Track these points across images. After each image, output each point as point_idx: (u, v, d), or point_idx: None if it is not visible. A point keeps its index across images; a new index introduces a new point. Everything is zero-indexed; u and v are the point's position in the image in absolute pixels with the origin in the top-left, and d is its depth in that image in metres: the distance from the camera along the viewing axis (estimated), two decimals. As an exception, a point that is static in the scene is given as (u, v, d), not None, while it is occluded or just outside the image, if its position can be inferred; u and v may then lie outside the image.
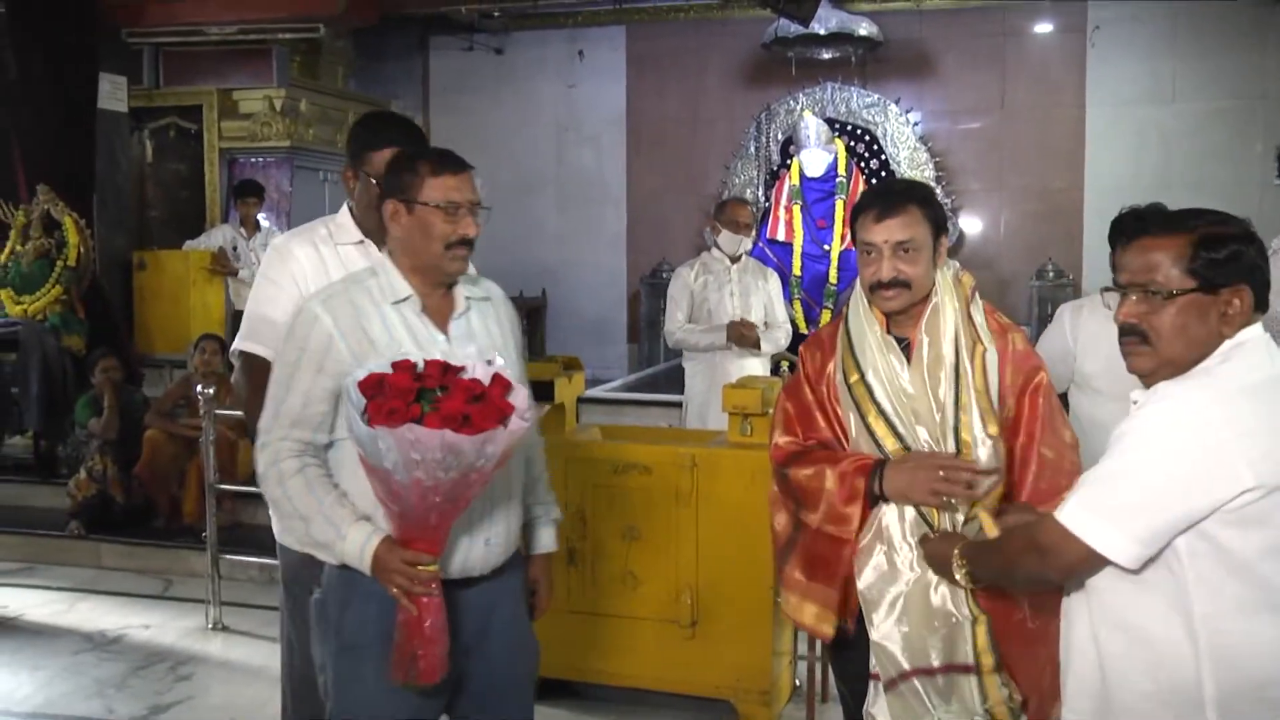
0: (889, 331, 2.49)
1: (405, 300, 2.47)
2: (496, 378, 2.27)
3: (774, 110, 9.73)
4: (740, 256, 5.63)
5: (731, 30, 10.14)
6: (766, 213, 9.09)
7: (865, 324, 2.52)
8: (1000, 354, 2.44)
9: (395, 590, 2.27)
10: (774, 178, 9.47)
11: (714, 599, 3.94)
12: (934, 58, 9.89)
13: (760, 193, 9.58)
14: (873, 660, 2.42)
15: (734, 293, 5.54)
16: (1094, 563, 1.90)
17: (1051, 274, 9.34)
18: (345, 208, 2.93)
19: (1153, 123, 9.45)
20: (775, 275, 5.86)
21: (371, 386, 2.23)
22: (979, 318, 2.47)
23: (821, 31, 8.95)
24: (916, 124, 9.60)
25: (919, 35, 9.80)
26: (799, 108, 9.51)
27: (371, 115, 2.90)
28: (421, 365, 2.27)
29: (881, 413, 2.47)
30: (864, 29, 9.18)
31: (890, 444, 2.45)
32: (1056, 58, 9.75)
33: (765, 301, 5.63)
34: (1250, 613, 1.85)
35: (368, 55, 10.58)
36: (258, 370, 2.73)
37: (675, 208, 10.50)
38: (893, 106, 9.50)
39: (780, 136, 9.66)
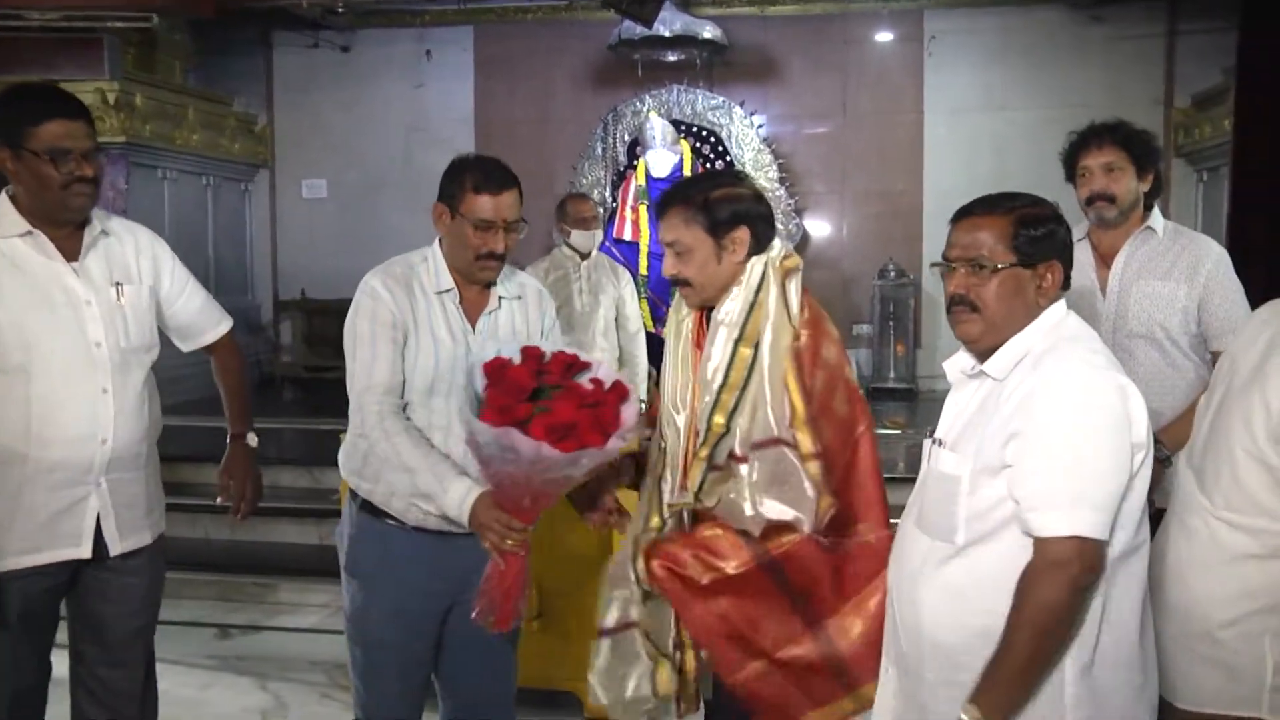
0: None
1: (447, 292, 2.79)
2: (617, 385, 2.41)
3: (621, 112, 9.96)
4: (590, 253, 5.62)
5: (579, 32, 10.32)
6: (613, 213, 9.18)
7: (681, 316, 2.66)
8: (807, 351, 2.47)
9: (487, 544, 2.49)
10: (621, 178, 9.68)
11: (556, 594, 4.06)
12: (778, 63, 10.26)
13: (607, 193, 9.80)
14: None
15: (583, 290, 5.54)
16: (1101, 551, 2.03)
17: (893, 273, 9.77)
18: (3, 195, 2.82)
19: (986, 129, 10.03)
20: (628, 274, 5.87)
21: (494, 372, 2.37)
22: (793, 301, 2.51)
23: (666, 34, 9.15)
24: (761, 127, 9.97)
25: (763, 40, 10.13)
26: (645, 109, 9.74)
27: (20, 88, 2.78)
28: (549, 355, 2.45)
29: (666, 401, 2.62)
30: (709, 32, 9.38)
31: (669, 432, 2.58)
32: (896, 66, 10.23)
33: (616, 300, 5.63)
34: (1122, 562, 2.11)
35: (208, 50, 10.61)
36: None
37: (526, 209, 10.32)
38: (737, 109, 9.84)
39: (627, 138, 9.89)
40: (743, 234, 2.53)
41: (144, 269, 2.95)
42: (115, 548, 2.88)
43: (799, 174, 10.16)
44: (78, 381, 2.77)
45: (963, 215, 2.23)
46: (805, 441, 2.38)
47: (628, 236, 9.11)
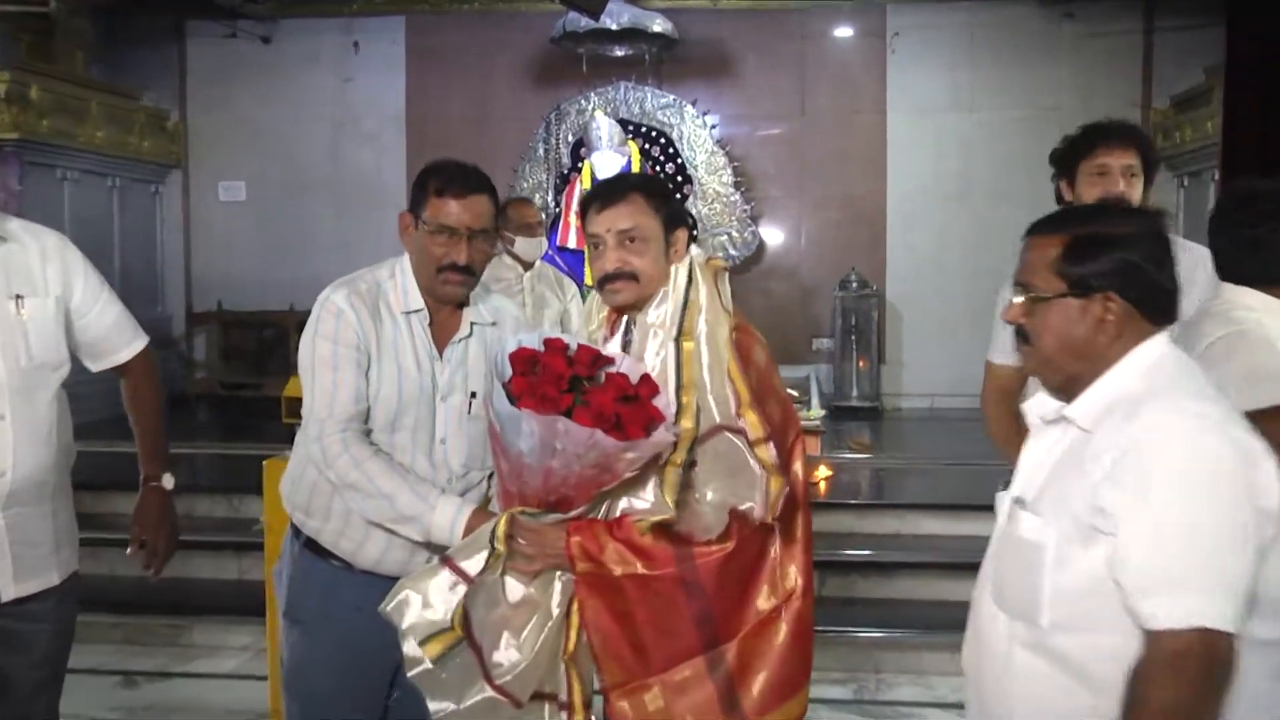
0: (626, 332, 2.55)
1: (416, 313, 2.71)
2: (645, 379, 2.38)
3: (564, 110, 9.89)
4: (534, 262, 5.46)
5: (520, 24, 10.22)
6: (556, 218, 9.03)
7: (593, 313, 2.63)
8: (741, 347, 2.46)
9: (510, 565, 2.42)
10: (564, 181, 9.58)
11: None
12: (732, 59, 10.21)
13: (550, 197, 9.65)
14: None
15: (525, 303, 5.36)
16: (1231, 645, 1.78)
17: (855, 284, 9.76)
18: None
19: (952, 130, 10.05)
20: (574, 285, 5.72)
21: (523, 363, 2.36)
22: (726, 295, 2.51)
23: (613, 27, 9.07)
24: (714, 127, 9.91)
25: (717, 35, 10.08)
26: (590, 107, 9.68)
27: None
28: (574, 348, 2.41)
29: None
30: (659, 25, 9.32)
31: None
32: (857, 63, 10.24)
33: (560, 314, 5.46)
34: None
35: (115, 39, 10.33)
36: None
37: (462, 214, 10.28)
38: (689, 108, 9.79)
39: (571, 138, 9.83)
40: (684, 235, 2.53)
41: (51, 277, 2.80)
42: (8, 591, 2.72)
43: (754, 177, 10.10)
44: None
45: (1027, 233, 2.05)
46: (754, 424, 2.35)
47: (572, 244, 8.96)
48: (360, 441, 2.60)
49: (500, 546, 2.36)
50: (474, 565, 2.38)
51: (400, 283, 2.73)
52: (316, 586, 2.77)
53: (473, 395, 2.69)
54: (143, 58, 10.60)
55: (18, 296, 2.72)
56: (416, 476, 2.61)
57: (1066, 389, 1.98)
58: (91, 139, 9.44)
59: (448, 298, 2.72)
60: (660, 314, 2.49)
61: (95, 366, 3.01)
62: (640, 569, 2.31)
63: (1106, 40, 9.64)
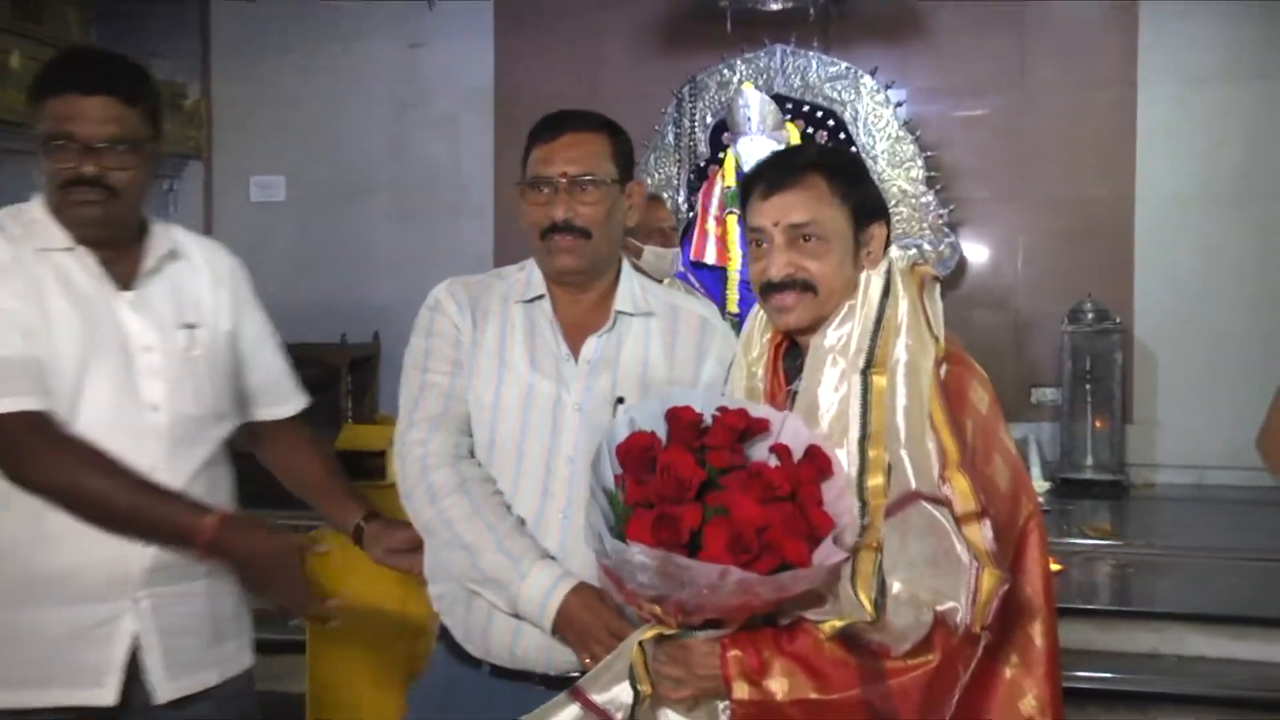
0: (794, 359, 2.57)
1: (536, 300, 2.83)
2: (812, 454, 2.31)
3: (702, 83, 9.92)
4: (664, 280, 5.45)
5: (643, -29, 10.21)
6: (690, 224, 9.03)
7: (755, 336, 2.63)
8: (953, 386, 2.43)
9: (589, 660, 2.52)
10: (701, 176, 9.53)
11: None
12: (925, 14, 10.17)
13: (682, 197, 9.64)
14: None
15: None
16: None
17: (1091, 315, 9.57)
18: (37, 199, 2.89)
19: (1231, 108, 9.77)
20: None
21: (635, 460, 2.29)
22: (935, 314, 2.48)
23: (767, -28, 9.00)
24: (900, 105, 9.84)
25: (905, -18, 9.95)
26: (736, 79, 9.68)
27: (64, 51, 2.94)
28: (708, 419, 2.34)
29: None
30: (827, -29, 9.24)
31: None
32: (1098, 17, 10.06)
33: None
34: None
35: None
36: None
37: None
38: (867, 80, 9.72)
39: (710, 120, 9.84)
40: (880, 231, 2.54)
41: (222, 306, 3.01)
42: (162, 693, 2.82)
43: (953, 172, 9.97)
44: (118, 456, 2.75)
45: None
46: (963, 492, 2.29)
47: (710, 259, 8.99)
48: (447, 463, 2.71)
49: (645, 687, 2.37)
50: (610, 697, 2.40)
51: (528, 273, 2.87)
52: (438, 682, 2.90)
53: (619, 401, 2.73)
54: (154, 17, 10.87)
55: (189, 326, 2.91)
56: (513, 522, 2.67)
57: None
58: (86, 119, 9.68)
59: (560, 270, 2.80)
60: (842, 335, 2.46)
61: (259, 415, 3.18)
62: (812, 694, 2.26)
63: None
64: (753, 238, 2.54)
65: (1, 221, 2.81)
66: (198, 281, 2.97)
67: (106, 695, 2.76)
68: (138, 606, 2.78)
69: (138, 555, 2.77)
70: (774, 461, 2.33)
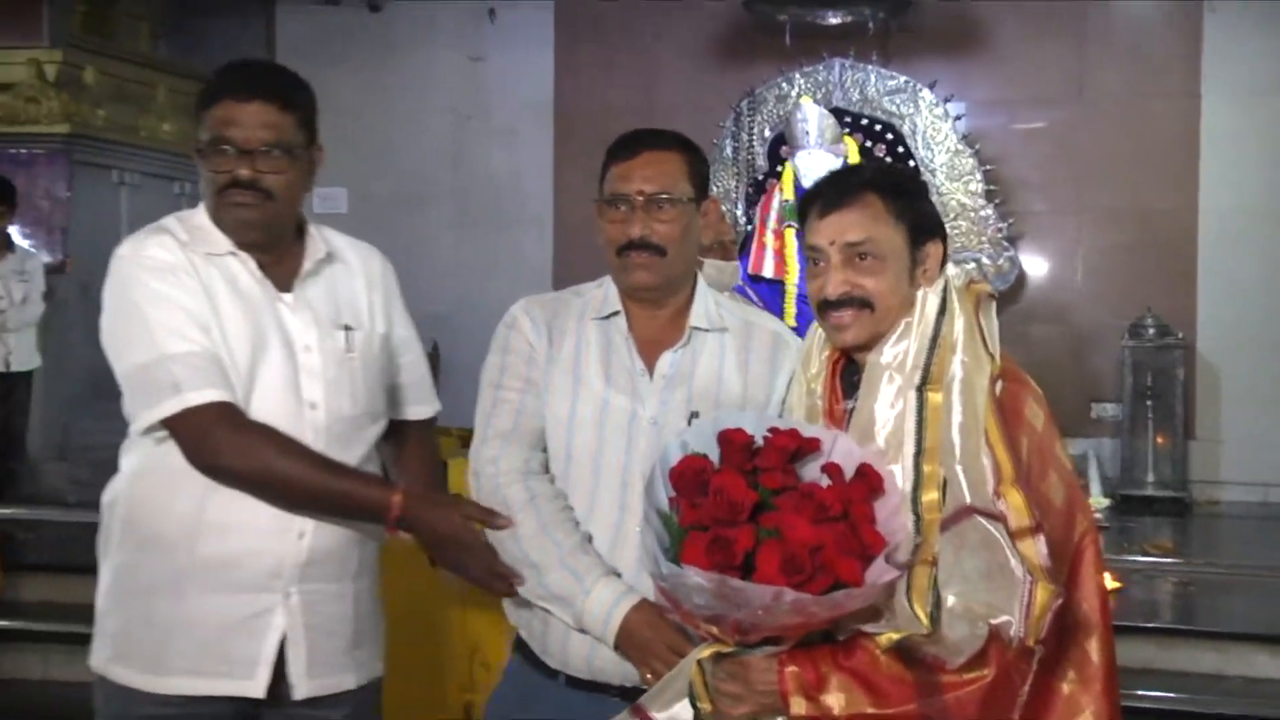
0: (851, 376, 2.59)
1: (612, 316, 2.86)
2: (864, 473, 2.33)
3: (760, 97, 9.94)
4: (723, 294, 5.45)
5: (703, -15, 10.22)
6: (748, 238, 8.99)
7: (814, 352, 2.65)
8: (1009, 404, 2.44)
9: (650, 676, 2.56)
10: (759, 190, 9.47)
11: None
12: (984, 26, 10.16)
13: (740, 210, 9.61)
14: None
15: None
16: None
17: (1152, 330, 9.54)
18: (202, 206, 2.97)
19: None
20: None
21: (688, 483, 2.31)
22: (991, 332, 2.48)
23: (828, -14, 8.99)
24: (959, 118, 9.83)
25: (965, -5, 9.93)
26: (794, 93, 9.65)
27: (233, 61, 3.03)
28: (759, 441, 2.36)
29: None
30: (887, -16, 9.23)
31: None
32: (1161, 26, 10.04)
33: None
34: None
35: (185, 10, 10.79)
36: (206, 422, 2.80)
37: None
38: (925, 93, 9.72)
39: (768, 133, 9.83)
40: (937, 250, 2.55)
41: (376, 308, 3.05)
42: (302, 688, 2.87)
43: (1013, 185, 9.96)
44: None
45: None
46: (1018, 507, 2.31)
47: (768, 273, 8.93)
48: (517, 479, 2.76)
49: (705, 705, 2.39)
50: (671, 715, 2.43)
51: (605, 290, 2.90)
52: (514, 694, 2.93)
53: (693, 416, 2.73)
54: (222, 32, 10.95)
55: (347, 328, 2.96)
56: (579, 539, 2.70)
57: None
58: (155, 133, 9.82)
59: (636, 287, 2.83)
60: (899, 352, 2.48)
61: (405, 415, 3.23)
62: (869, 709, 2.27)
63: None
64: (810, 256, 2.55)
65: (169, 226, 2.87)
66: (353, 284, 3.02)
67: (256, 687, 2.81)
68: (288, 601, 2.84)
69: (293, 549, 2.83)
70: (826, 481, 2.33)
